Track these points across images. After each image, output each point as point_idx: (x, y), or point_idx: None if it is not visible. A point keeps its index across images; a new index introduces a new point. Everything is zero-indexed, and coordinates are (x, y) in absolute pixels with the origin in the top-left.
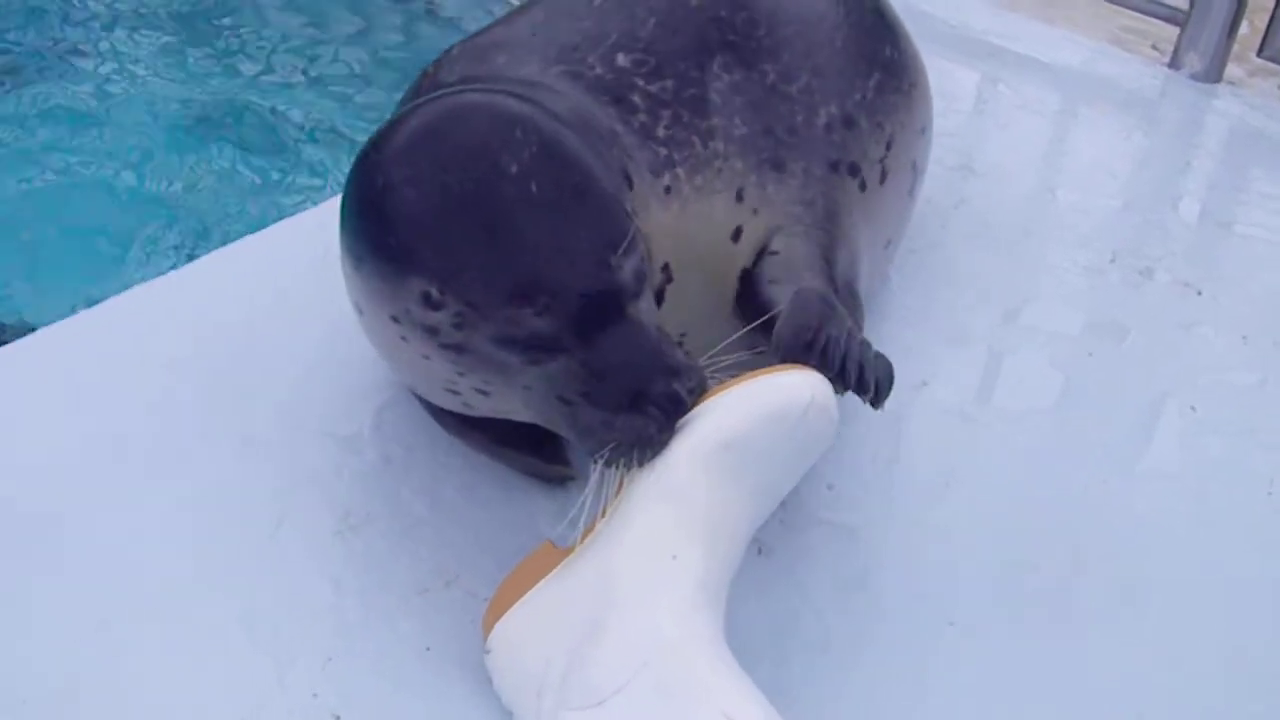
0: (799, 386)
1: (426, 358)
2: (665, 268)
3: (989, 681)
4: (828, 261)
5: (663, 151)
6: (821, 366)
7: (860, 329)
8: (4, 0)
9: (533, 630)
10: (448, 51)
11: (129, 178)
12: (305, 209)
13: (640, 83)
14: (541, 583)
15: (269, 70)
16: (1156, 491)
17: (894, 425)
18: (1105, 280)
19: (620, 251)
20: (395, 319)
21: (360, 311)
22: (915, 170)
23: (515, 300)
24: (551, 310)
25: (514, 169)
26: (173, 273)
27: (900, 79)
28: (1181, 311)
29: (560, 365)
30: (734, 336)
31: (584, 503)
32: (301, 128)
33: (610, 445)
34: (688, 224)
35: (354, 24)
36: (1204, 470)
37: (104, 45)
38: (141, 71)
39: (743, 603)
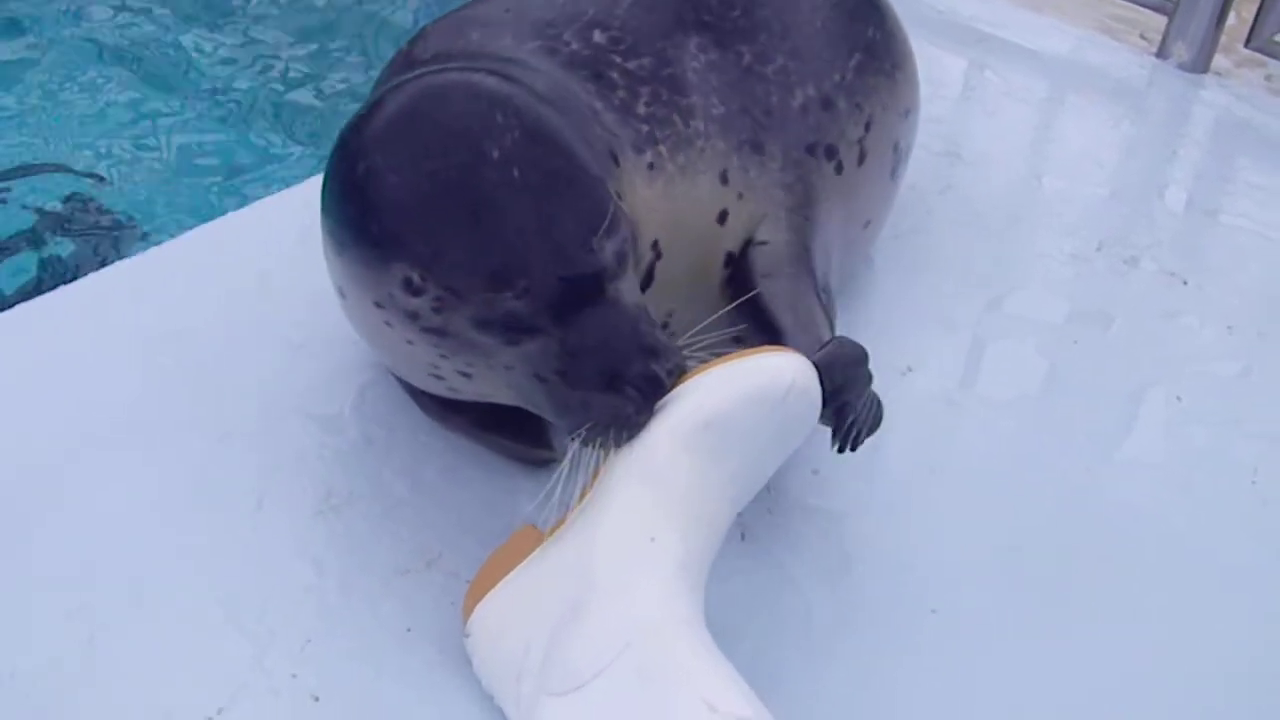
0: (781, 369)
1: (410, 342)
2: (655, 245)
3: (971, 668)
4: (808, 250)
5: (644, 128)
6: (835, 426)
7: (833, 328)
8: None
9: (512, 613)
10: (423, 29)
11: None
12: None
13: (618, 59)
14: (521, 565)
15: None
16: (1141, 480)
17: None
18: (1091, 268)
19: (600, 233)
20: (378, 304)
21: (343, 295)
22: (898, 152)
23: (495, 284)
24: (531, 293)
25: (495, 153)
26: (152, 249)
27: (882, 60)
28: (1167, 301)
29: (539, 345)
30: (715, 316)
31: (557, 480)
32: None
33: (588, 425)
34: (674, 202)
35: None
36: (1188, 459)
37: None
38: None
39: (725, 586)
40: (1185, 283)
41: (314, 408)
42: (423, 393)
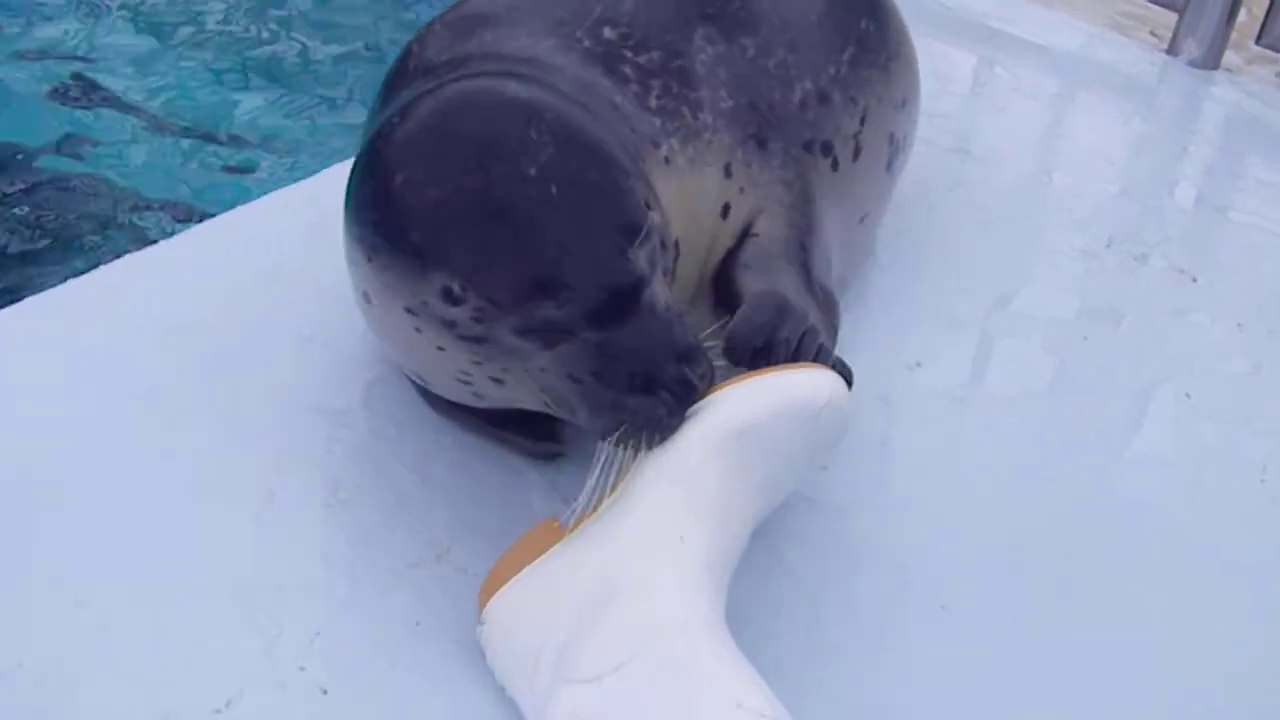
0: (818, 385)
1: (441, 349)
2: (675, 244)
3: (979, 664)
4: (804, 248)
5: (656, 121)
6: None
7: (835, 327)
8: None
9: (531, 604)
10: (429, 27)
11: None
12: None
13: (629, 54)
14: (543, 557)
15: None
16: (1150, 477)
17: (886, 407)
18: (1101, 265)
19: (636, 242)
20: (411, 311)
21: (369, 301)
22: (894, 144)
23: (536, 295)
24: (571, 302)
25: (533, 169)
26: (163, 243)
27: (876, 52)
28: (1176, 298)
29: (575, 347)
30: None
31: (591, 484)
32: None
33: (622, 426)
34: (685, 197)
35: None
36: (1198, 456)
37: None
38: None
39: (732, 582)
40: (1195, 280)
41: (323, 402)
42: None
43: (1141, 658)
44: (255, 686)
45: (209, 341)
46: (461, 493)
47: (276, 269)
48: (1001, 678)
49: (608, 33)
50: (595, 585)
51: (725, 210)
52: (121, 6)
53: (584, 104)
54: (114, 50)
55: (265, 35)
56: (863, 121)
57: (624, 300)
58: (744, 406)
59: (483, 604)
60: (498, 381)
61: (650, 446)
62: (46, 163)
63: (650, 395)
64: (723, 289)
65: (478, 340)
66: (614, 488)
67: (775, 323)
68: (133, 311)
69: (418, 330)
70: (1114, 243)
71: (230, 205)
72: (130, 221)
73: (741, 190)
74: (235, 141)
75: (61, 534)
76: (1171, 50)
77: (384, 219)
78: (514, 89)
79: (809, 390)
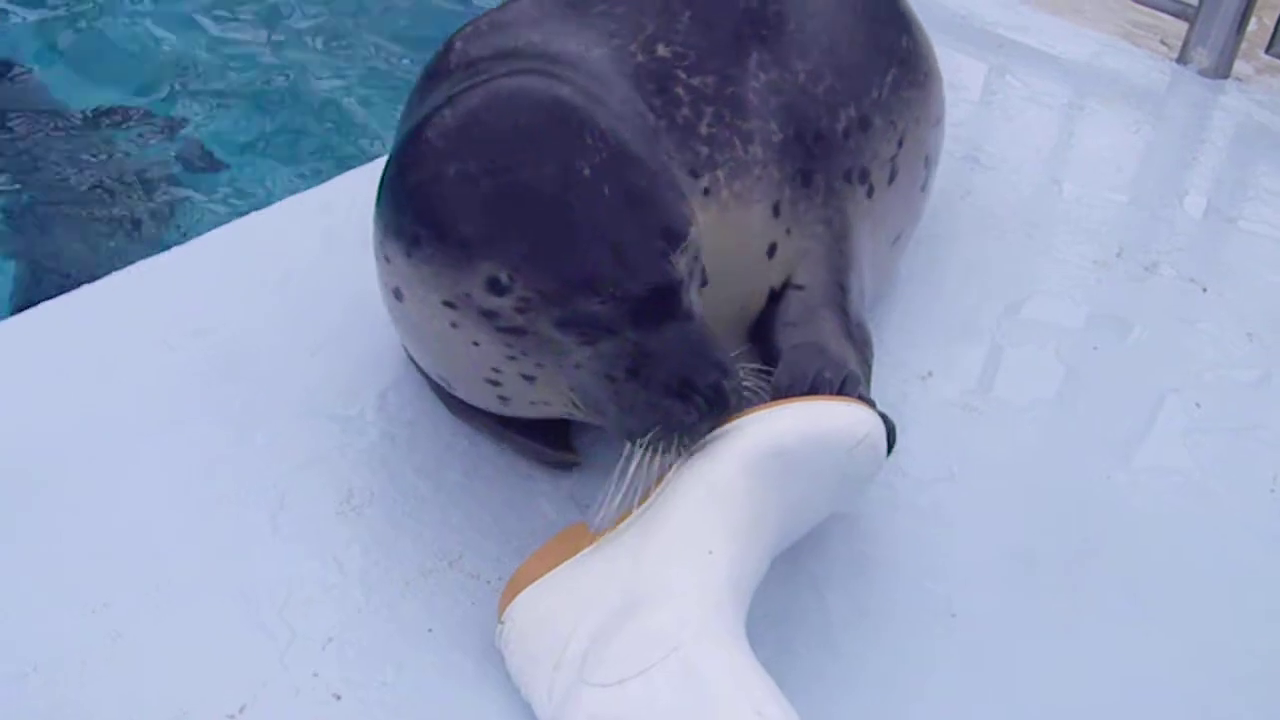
0: (858, 419)
1: (476, 344)
2: (702, 273)
3: (990, 672)
4: (842, 289)
5: (704, 151)
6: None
7: (869, 363)
8: None
9: (556, 606)
10: (474, 25)
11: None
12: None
13: (682, 75)
14: (570, 561)
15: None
16: (1159, 487)
17: (898, 415)
18: (1110, 274)
19: (681, 248)
20: (450, 304)
21: (400, 297)
22: (928, 164)
23: (583, 288)
24: (616, 299)
25: (587, 168)
26: (176, 249)
27: (916, 71)
28: (1186, 307)
29: (614, 345)
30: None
31: (615, 485)
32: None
33: (652, 429)
34: (725, 231)
35: None
36: (1207, 466)
37: None
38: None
39: None
40: (1205, 289)
41: (336, 408)
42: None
43: (1151, 665)
44: (268, 692)
45: (222, 347)
46: (475, 499)
47: (289, 275)
48: (1011, 685)
49: (661, 49)
50: (622, 590)
51: (771, 250)
52: None
53: (627, 116)
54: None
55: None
56: (900, 144)
57: (666, 302)
58: (783, 428)
59: (505, 604)
60: (528, 380)
61: (679, 452)
62: None
63: (684, 400)
64: (764, 343)
65: (518, 332)
66: (644, 495)
67: (819, 368)
68: (147, 317)
69: (454, 325)
70: (1124, 252)
71: None
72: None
73: (789, 231)
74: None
75: (76, 538)
76: (1182, 59)
77: (432, 208)
78: (563, 93)
79: (849, 422)
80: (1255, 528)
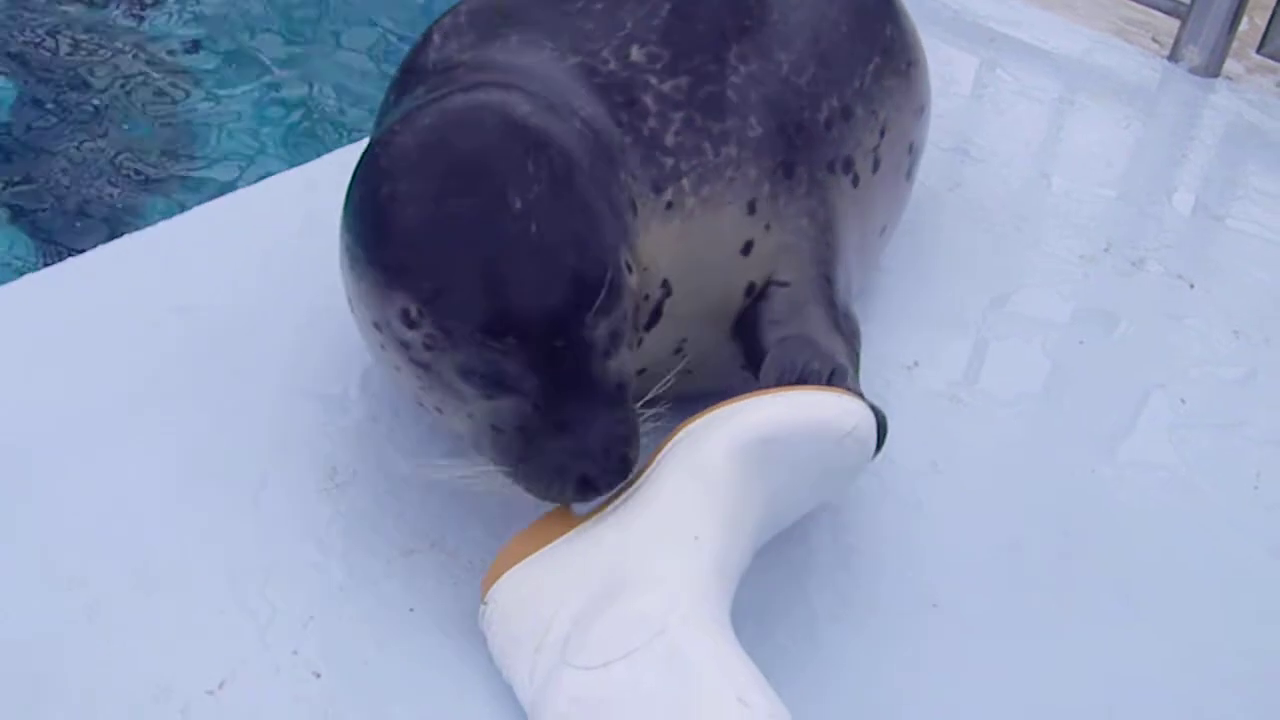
0: (849, 412)
1: (397, 369)
2: (664, 283)
3: (971, 664)
4: (828, 280)
5: (669, 162)
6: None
7: (857, 354)
8: None
9: (539, 587)
10: (455, 14)
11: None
12: None
13: (654, 81)
14: (555, 542)
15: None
16: (1144, 481)
17: (883, 406)
18: (1098, 269)
19: (597, 309)
20: (376, 326)
21: (351, 307)
22: (912, 152)
23: (484, 334)
24: (517, 352)
25: (517, 204)
26: (160, 224)
27: (898, 60)
28: (1173, 303)
29: (511, 404)
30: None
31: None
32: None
33: (519, 484)
34: (691, 239)
35: None
36: (1191, 462)
37: None
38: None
39: None
40: (1192, 286)
41: (319, 386)
42: None
43: (1133, 660)
44: (248, 668)
45: (205, 325)
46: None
47: (274, 253)
48: (991, 677)
49: (635, 53)
50: (607, 574)
51: (747, 247)
52: None
53: (588, 144)
54: None
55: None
56: (882, 134)
57: (570, 364)
58: (772, 415)
59: (489, 584)
60: (439, 411)
61: (546, 499)
62: None
63: (558, 481)
64: (750, 340)
65: (425, 367)
66: (634, 477)
67: (807, 359)
68: (129, 293)
69: (381, 346)
70: (1112, 247)
71: None
72: None
73: (767, 227)
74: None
75: (55, 515)
76: (1173, 57)
77: (364, 230)
78: (518, 116)
79: (838, 413)
80: (1239, 524)
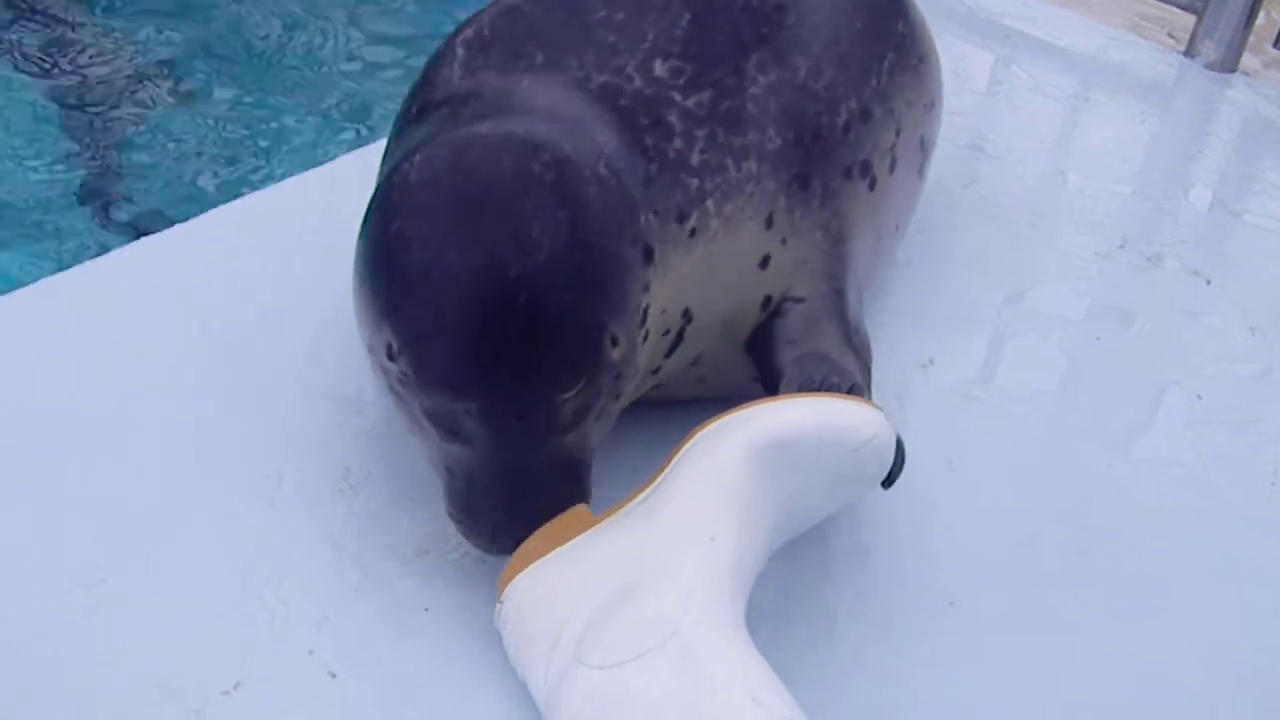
0: (869, 421)
1: (385, 390)
2: (685, 311)
3: (987, 662)
4: (840, 294)
5: (694, 183)
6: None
7: (869, 370)
8: None
9: (556, 586)
10: (478, 25)
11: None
12: None
13: (678, 98)
14: (571, 542)
15: None
16: (1160, 479)
17: (898, 403)
18: (1114, 266)
19: (571, 393)
20: (369, 348)
21: (356, 323)
22: (924, 147)
23: (448, 390)
24: (477, 415)
25: (513, 272)
26: (177, 227)
27: (910, 55)
28: (1189, 300)
29: (465, 452)
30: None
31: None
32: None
33: (463, 525)
34: (712, 261)
35: None
36: (1207, 459)
37: None
38: None
39: None
40: (1208, 282)
41: (335, 387)
42: None
43: (1149, 657)
44: (263, 669)
45: (222, 325)
46: None
47: (292, 253)
48: (1007, 675)
49: (659, 68)
50: (623, 574)
51: (765, 262)
52: None
53: (611, 185)
54: None
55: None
56: (898, 132)
57: (528, 436)
58: (792, 419)
59: (505, 583)
60: (410, 435)
61: (480, 549)
62: None
63: (491, 534)
64: (764, 357)
65: (397, 398)
66: (652, 478)
67: (826, 373)
68: (147, 295)
69: (373, 367)
70: (1128, 243)
71: None
72: None
73: (784, 241)
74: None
75: (71, 515)
76: (1189, 52)
77: (370, 259)
78: (535, 170)
79: (857, 422)
80: (1256, 521)
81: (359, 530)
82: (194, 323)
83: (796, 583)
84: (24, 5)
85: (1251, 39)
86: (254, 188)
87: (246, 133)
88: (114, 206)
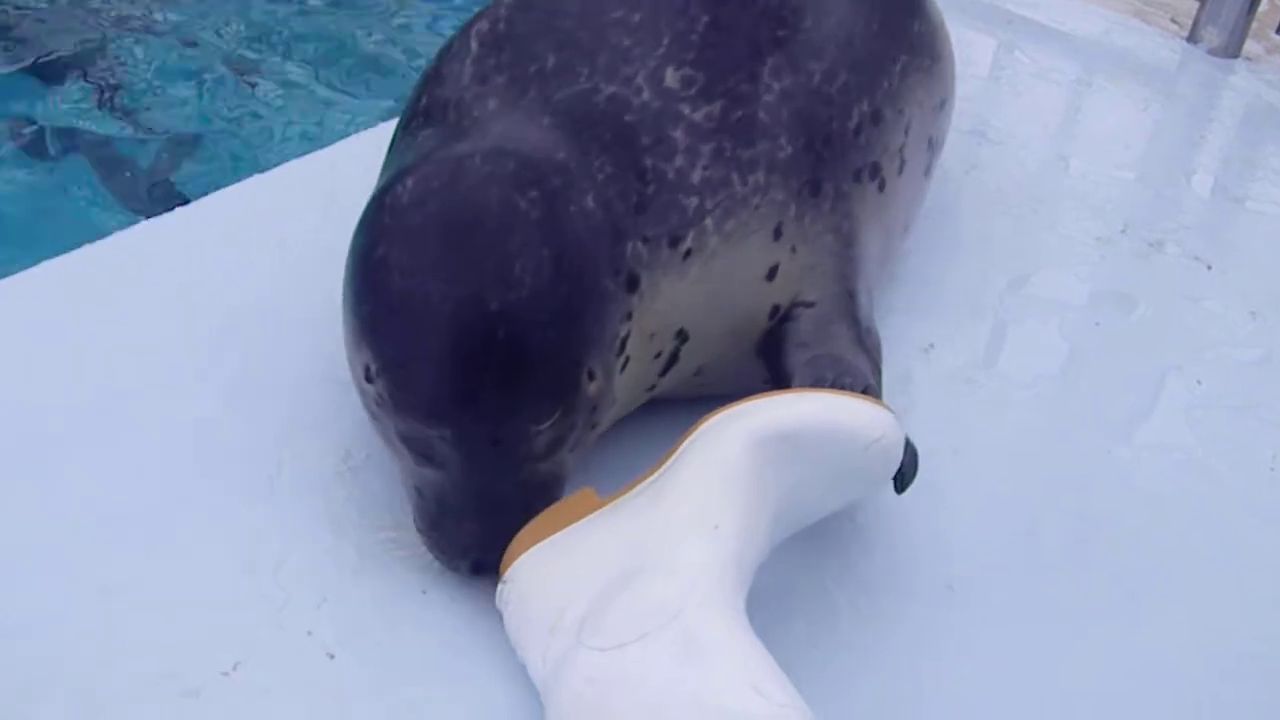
0: (877, 421)
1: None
2: (680, 332)
3: (985, 646)
4: (851, 295)
5: (693, 203)
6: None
7: (879, 371)
8: None
9: (558, 568)
10: (494, 19)
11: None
12: None
13: (686, 110)
14: (575, 524)
15: None
16: (1159, 463)
17: (899, 387)
18: (1115, 251)
19: (547, 424)
20: (350, 363)
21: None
22: (932, 147)
23: (424, 416)
24: (451, 441)
25: (493, 306)
26: (178, 210)
27: (924, 56)
28: (1190, 285)
29: (435, 476)
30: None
31: None
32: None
33: (426, 543)
34: (711, 282)
35: None
36: (1207, 444)
37: None
38: None
39: None
40: (1209, 268)
41: (334, 370)
42: None
43: (1148, 642)
44: (263, 650)
45: (222, 309)
46: None
47: (292, 236)
48: (1007, 659)
49: (670, 77)
50: (626, 557)
51: (772, 273)
52: None
53: (597, 218)
54: None
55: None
56: (907, 132)
57: (500, 464)
58: (799, 412)
59: (508, 563)
60: (385, 450)
61: (448, 568)
62: None
63: (460, 556)
64: (775, 360)
65: (374, 418)
66: (659, 464)
67: (838, 374)
68: (147, 278)
69: (356, 382)
70: (1129, 229)
71: None
72: None
73: (793, 250)
74: None
75: (71, 498)
76: (1192, 38)
77: (355, 278)
78: (523, 206)
79: (866, 421)
80: (1255, 507)
81: (359, 512)
82: (194, 306)
83: (797, 567)
84: None
85: (1254, 25)
86: None
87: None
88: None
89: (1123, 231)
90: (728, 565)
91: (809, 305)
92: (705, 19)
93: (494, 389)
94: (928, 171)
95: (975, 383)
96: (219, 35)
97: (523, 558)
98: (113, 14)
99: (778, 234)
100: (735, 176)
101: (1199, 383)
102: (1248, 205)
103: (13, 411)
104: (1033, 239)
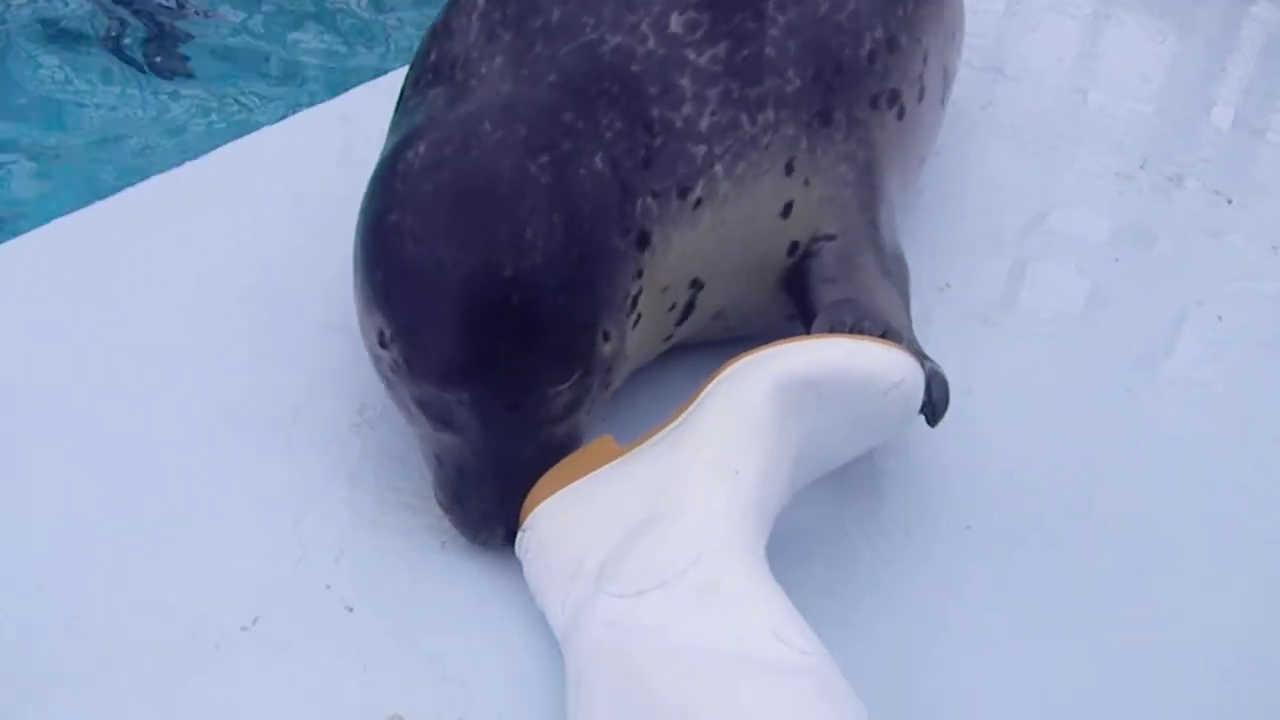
0: (896, 364)
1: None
2: (694, 281)
3: (1003, 583)
4: (874, 224)
5: (701, 150)
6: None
7: (907, 297)
8: None
9: (579, 515)
10: None
11: None
12: None
13: (691, 55)
14: (596, 472)
15: None
16: (1181, 399)
17: (916, 327)
18: (1135, 186)
19: (565, 386)
20: (362, 330)
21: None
22: (946, 76)
23: (441, 381)
24: (469, 405)
25: (507, 271)
26: (188, 164)
27: None
28: (1211, 219)
29: (455, 441)
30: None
31: None
32: None
33: (448, 515)
34: (724, 227)
35: None
36: (1229, 378)
37: None
38: None
39: None
40: (1230, 201)
41: (350, 321)
42: None
43: (1167, 580)
44: (281, 603)
45: (236, 263)
46: None
47: (304, 192)
48: (1024, 598)
49: (674, 23)
50: (646, 504)
51: (787, 209)
52: None
53: (606, 177)
54: None
55: None
56: (925, 60)
57: (519, 427)
58: (821, 358)
59: (528, 511)
60: (402, 418)
61: (474, 543)
62: None
63: (481, 526)
64: (801, 295)
65: (389, 384)
66: (679, 411)
67: (858, 319)
68: (160, 233)
69: (367, 348)
70: (1148, 163)
71: None
72: None
73: (806, 182)
74: None
75: (87, 453)
76: None
77: (367, 244)
78: (534, 170)
79: (886, 366)
80: (1276, 439)
81: (375, 465)
82: (207, 260)
83: (816, 509)
84: None
85: None
86: None
87: None
88: None
89: (1142, 166)
90: (748, 510)
91: (830, 239)
92: None
93: (510, 354)
94: (944, 101)
95: (993, 322)
96: None
97: (542, 505)
98: None
99: (789, 169)
100: (744, 117)
101: (1220, 318)
102: (1268, 138)
103: (28, 368)
104: (1050, 175)
